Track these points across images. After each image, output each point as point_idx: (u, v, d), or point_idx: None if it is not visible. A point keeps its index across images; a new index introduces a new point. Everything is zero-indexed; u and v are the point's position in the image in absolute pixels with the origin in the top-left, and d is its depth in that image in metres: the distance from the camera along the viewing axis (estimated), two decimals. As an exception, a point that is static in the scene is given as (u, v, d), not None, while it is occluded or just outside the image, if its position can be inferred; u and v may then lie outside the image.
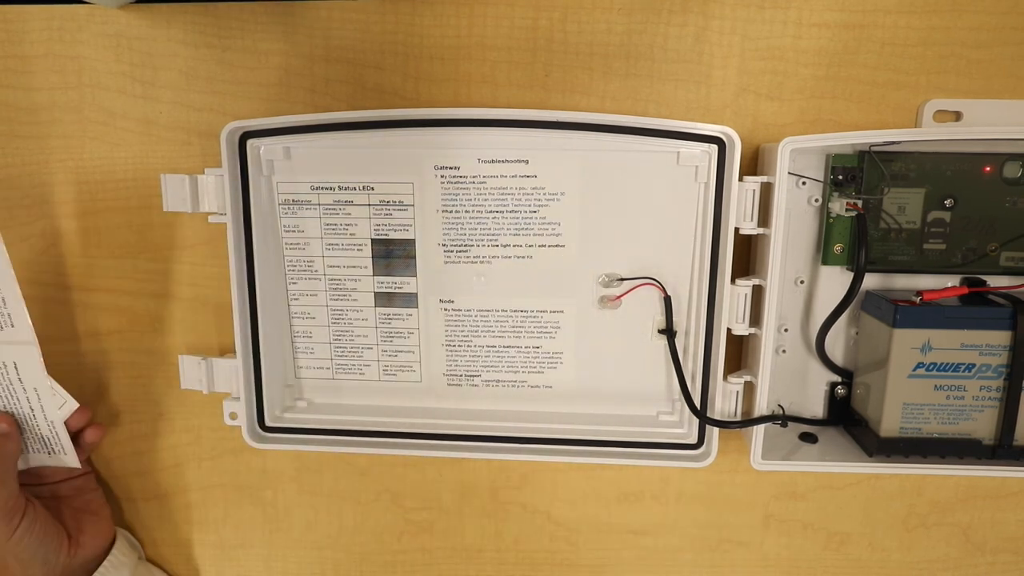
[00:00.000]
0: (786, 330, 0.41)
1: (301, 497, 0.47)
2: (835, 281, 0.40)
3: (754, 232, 0.38)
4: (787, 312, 0.41)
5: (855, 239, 0.38)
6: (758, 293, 0.38)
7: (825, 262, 0.40)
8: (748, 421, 0.39)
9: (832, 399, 0.42)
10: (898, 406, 0.38)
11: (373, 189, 0.40)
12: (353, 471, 0.46)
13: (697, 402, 0.40)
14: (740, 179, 0.37)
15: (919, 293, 0.38)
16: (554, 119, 0.37)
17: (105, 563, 0.42)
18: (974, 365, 0.37)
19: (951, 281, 0.40)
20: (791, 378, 0.42)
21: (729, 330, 0.39)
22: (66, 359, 0.46)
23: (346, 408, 0.44)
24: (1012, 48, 0.38)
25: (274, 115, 0.41)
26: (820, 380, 0.42)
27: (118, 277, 0.44)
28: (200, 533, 0.48)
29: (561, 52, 0.40)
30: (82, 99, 0.42)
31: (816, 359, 0.41)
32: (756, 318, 0.39)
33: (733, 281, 0.39)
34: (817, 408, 0.42)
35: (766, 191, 0.37)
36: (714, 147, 0.38)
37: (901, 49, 0.39)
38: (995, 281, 0.39)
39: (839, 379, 0.42)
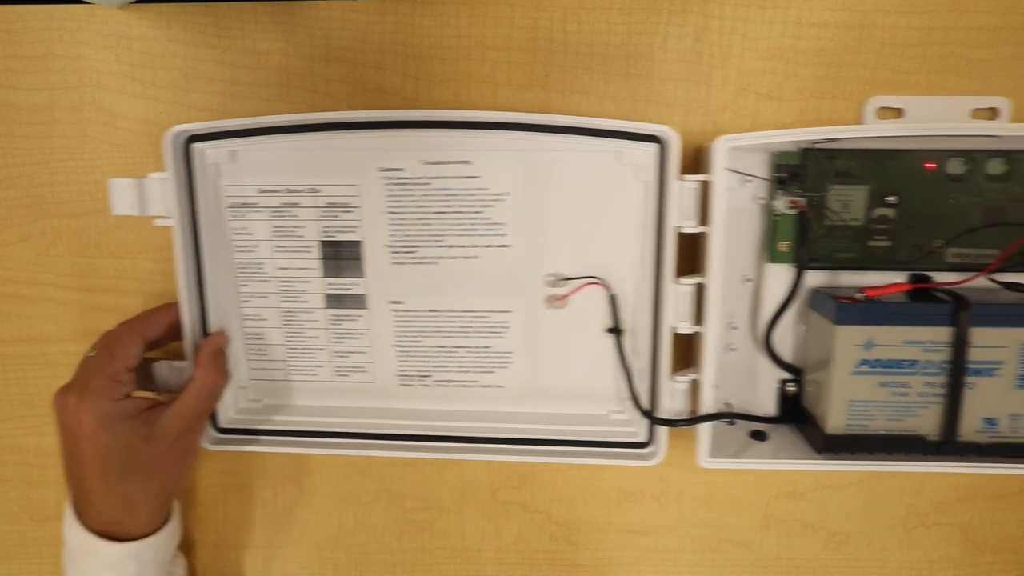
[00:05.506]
0: (736, 328, 0.41)
1: (301, 497, 0.47)
2: (782, 279, 0.40)
3: (694, 230, 0.38)
4: (736, 310, 0.41)
5: (802, 237, 0.39)
6: (704, 291, 0.38)
7: (771, 260, 0.40)
8: (694, 419, 0.39)
9: (784, 397, 0.42)
10: (843, 403, 0.38)
11: (319, 191, 0.40)
12: (353, 471, 0.46)
13: (645, 401, 0.40)
14: (680, 178, 0.37)
15: (862, 290, 0.38)
16: (493, 119, 0.37)
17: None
18: (917, 362, 0.37)
19: (900, 278, 0.40)
20: (742, 376, 0.42)
21: (676, 328, 0.39)
22: (67, 359, 0.46)
23: (301, 409, 0.44)
24: (1012, 48, 0.38)
25: (274, 115, 0.41)
26: (772, 378, 0.42)
27: (117, 277, 0.44)
28: (200, 533, 0.48)
29: (561, 52, 0.40)
30: (82, 99, 0.42)
31: (767, 357, 0.41)
32: (702, 316, 0.39)
33: (677, 279, 0.39)
34: (769, 406, 0.42)
35: (710, 189, 0.37)
36: (655, 146, 0.37)
37: (901, 49, 0.39)
38: (943, 278, 0.39)
39: (790, 376, 0.42)
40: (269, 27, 0.41)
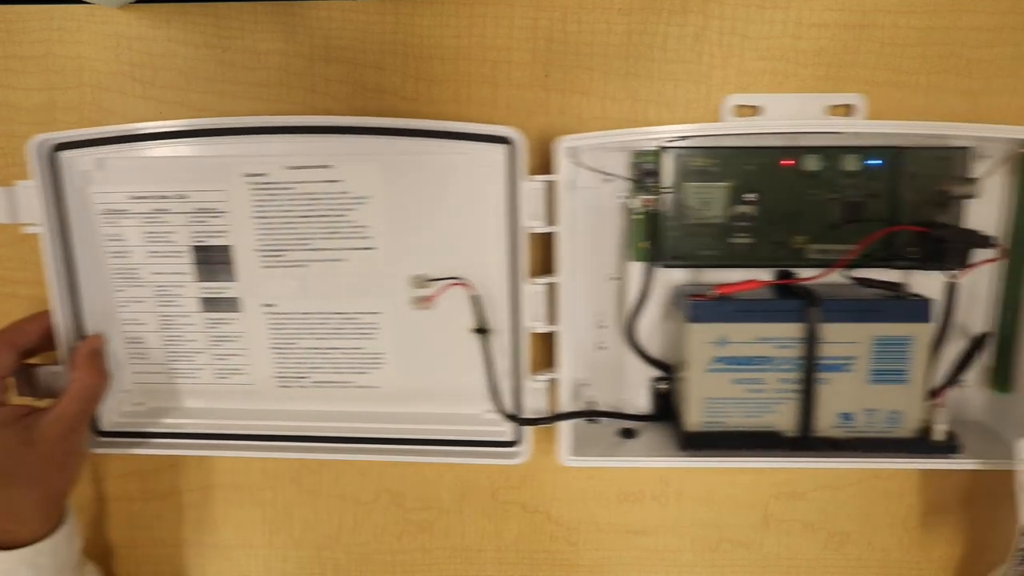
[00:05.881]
0: (604, 327, 0.42)
1: (301, 497, 0.47)
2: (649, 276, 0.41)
3: (544, 230, 0.38)
4: (604, 309, 0.42)
5: (656, 235, 0.39)
6: (556, 290, 0.39)
7: (634, 258, 0.40)
8: (550, 418, 0.40)
9: (657, 394, 0.42)
10: (700, 401, 0.38)
11: (187, 197, 0.40)
12: (353, 471, 0.46)
13: (510, 399, 0.41)
14: (528, 178, 0.37)
15: (715, 287, 0.38)
16: (347, 124, 0.38)
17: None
18: (771, 358, 0.37)
19: (766, 275, 0.40)
20: (615, 374, 0.42)
21: (532, 328, 0.39)
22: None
23: (185, 411, 0.44)
24: (1012, 48, 0.38)
25: (274, 115, 0.41)
26: (645, 376, 0.42)
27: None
28: (200, 533, 0.48)
29: (561, 52, 0.40)
30: (82, 99, 0.42)
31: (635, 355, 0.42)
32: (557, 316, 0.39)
33: (532, 279, 0.39)
34: (644, 404, 0.43)
35: (555, 190, 0.38)
36: (504, 147, 0.38)
37: (901, 49, 0.39)
38: (808, 275, 0.39)
39: (661, 374, 0.42)
40: (269, 27, 0.41)
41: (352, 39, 0.40)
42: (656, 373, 0.42)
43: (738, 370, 0.38)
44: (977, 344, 0.40)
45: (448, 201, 0.39)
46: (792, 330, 0.37)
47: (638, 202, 0.39)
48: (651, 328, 0.42)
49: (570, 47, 0.40)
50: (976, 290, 0.40)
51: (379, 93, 0.41)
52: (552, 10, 0.39)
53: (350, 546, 0.48)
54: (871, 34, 0.39)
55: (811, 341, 0.37)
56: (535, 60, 0.40)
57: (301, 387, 0.43)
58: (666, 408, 0.42)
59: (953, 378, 0.40)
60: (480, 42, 0.40)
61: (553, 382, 0.40)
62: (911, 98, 0.39)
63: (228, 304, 0.42)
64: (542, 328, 0.39)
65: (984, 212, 0.39)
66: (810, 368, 0.37)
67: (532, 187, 0.37)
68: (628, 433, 0.42)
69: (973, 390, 0.42)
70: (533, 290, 0.39)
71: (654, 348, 0.42)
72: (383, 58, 0.41)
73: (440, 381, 0.42)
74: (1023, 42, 0.38)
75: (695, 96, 0.40)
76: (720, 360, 0.38)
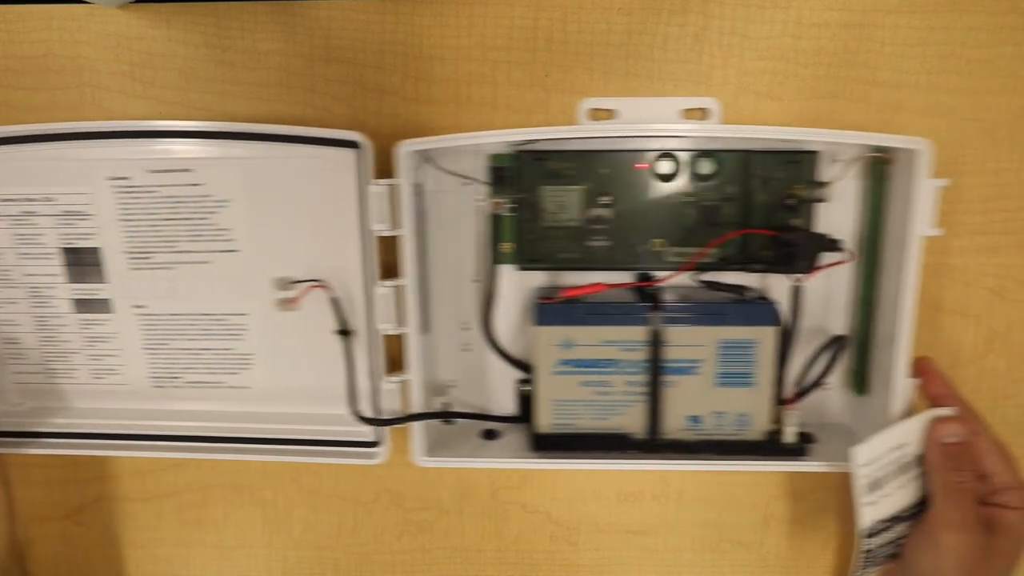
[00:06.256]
0: (468, 329, 0.42)
1: (301, 497, 0.47)
2: (510, 279, 0.41)
3: (388, 233, 0.38)
4: (469, 311, 0.42)
5: (507, 237, 0.39)
6: (423, 292, 0.39)
7: (496, 261, 0.40)
8: (400, 419, 0.40)
9: (523, 396, 0.42)
10: (548, 403, 0.39)
11: (54, 200, 0.41)
12: (353, 471, 0.46)
13: (370, 401, 0.41)
14: (373, 182, 0.38)
15: (561, 291, 0.38)
16: (205, 129, 0.38)
17: None
18: (617, 361, 0.38)
19: (627, 277, 0.40)
20: (480, 376, 0.43)
21: (384, 330, 0.40)
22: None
23: (63, 411, 0.45)
24: (1012, 48, 0.38)
25: (274, 115, 0.41)
26: (511, 378, 0.43)
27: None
28: (200, 533, 0.48)
29: (561, 52, 0.40)
30: (82, 99, 0.42)
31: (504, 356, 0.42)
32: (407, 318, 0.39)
33: (381, 282, 0.39)
34: (511, 405, 0.43)
35: (417, 192, 0.38)
36: (353, 151, 0.38)
37: (901, 49, 0.39)
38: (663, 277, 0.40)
39: (525, 376, 0.42)
40: (269, 27, 0.41)
41: (352, 39, 0.40)
42: (520, 375, 0.42)
43: (585, 372, 0.38)
44: (836, 346, 0.40)
45: (306, 204, 0.40)
46: (637, 333, 0.37)
47: (489, 205, 0.39)
48: (515, 330, 0.42)
49: (570, 47, 0.40)
50: (835, 293, 0.40)
51: (379, 93, 0.41)
52: (552, 10, 0.39)
53: (350, 546, 0.48)
54: (871, 34, 0.39)
55: (655, 344, 0.37)
56: (535, 60, 0.40)
57: (175, 387, 0.44)
58: (529, 409, 0.42)
59: (817, 380, 0.40)
60: (480, 42, 0.40)
61: (406, 383, 0.40)
62: (911, 98, 0.39)
63: (100, 305, 0.43)
64: (392, 330, 0.39)
65: (837, 215, 0.39)
66: (656, 371, 0.37)
67: (378, 191, 0.37)
68: (490, 434, 0.42)
69: (835, 392, 0.42)
70: (383, 292, 0.39)
71: (519, 350, 0.42)
72: (383, 58, 0.41)
73: (307, 382, 0.43)
74: (1023, 42, 0.38)
75: (695, 96, 0.40)
76: (566, 363, 0.38)
